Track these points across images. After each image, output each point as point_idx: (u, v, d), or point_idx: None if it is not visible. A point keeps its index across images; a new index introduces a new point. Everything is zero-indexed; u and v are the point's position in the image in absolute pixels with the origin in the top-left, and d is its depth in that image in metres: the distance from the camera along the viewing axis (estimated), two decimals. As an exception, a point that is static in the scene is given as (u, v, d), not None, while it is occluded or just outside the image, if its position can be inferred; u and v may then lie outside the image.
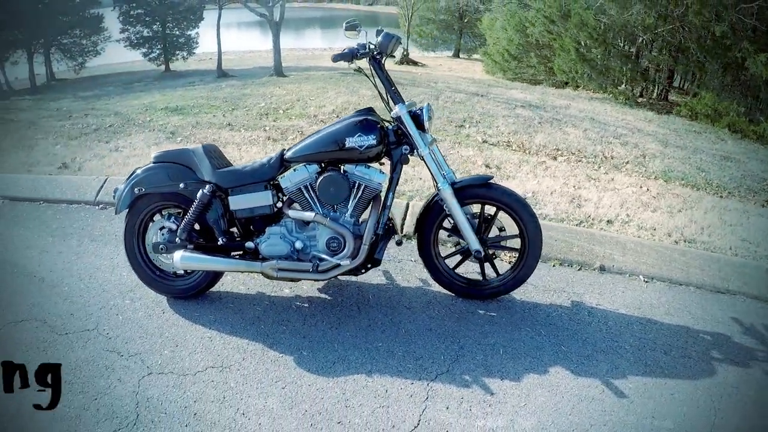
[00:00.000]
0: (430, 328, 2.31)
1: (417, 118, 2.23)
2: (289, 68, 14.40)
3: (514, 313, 2.43)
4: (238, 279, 2.68)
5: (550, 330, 2.31)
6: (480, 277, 2.51)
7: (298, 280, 2.37)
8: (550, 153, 4.91)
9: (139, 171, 2.37)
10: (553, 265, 2.87)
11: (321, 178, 2.20)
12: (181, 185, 2.30)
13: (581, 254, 2.92)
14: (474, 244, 2.33)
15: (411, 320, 2.36)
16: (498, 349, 2.17)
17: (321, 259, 2.26)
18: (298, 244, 2.28)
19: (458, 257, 2.54)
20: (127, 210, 2.40)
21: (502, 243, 2.48)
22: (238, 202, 2.29)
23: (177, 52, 22.80)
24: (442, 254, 2.51)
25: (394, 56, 2.57)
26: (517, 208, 2.33)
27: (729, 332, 2.35)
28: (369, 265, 2.29)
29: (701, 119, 8.04)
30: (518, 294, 2.57)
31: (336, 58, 2.18)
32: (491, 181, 2.35)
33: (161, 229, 2.42)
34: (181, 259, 2.28)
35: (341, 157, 2.21)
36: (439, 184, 2.27)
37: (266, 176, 2.27)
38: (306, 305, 2.47)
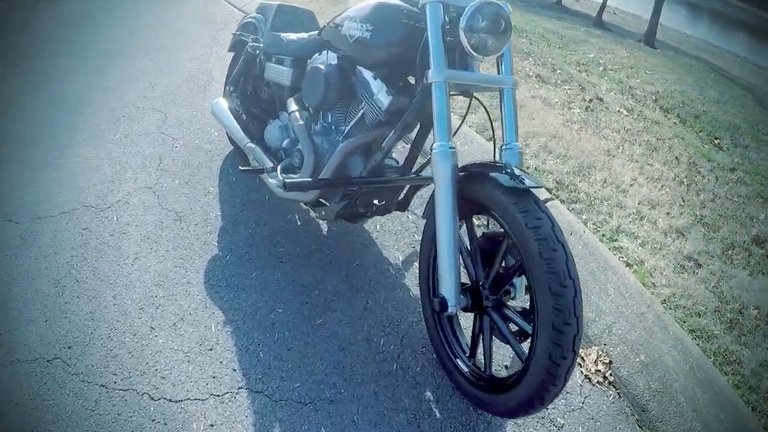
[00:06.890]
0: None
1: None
2: (672, 47, 10.74)
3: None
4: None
5: None
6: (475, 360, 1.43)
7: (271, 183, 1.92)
8: None
9: (244, 18, 2.38)
10: None
11: (313, 65, 1.66)
12: (250, 39, 2.21)
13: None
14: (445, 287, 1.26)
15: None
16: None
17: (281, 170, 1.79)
18: (286, 143, 1.91)
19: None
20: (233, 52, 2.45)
21: (508, 312, 1.31)
22: (269, 71, 2.03)
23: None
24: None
25: None
26: (522, 240, 1.13)
27: None
28: (331, 203, 1.70)
29: None
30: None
31: None
32: (525, 179, 1.19)
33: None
34: (212, 105, 2.29)
35: (347, 52, 1.56)
36: (434, 144, 1.27)
37: (299, 53, 1.89)
38: (290, 223, 2.17)
